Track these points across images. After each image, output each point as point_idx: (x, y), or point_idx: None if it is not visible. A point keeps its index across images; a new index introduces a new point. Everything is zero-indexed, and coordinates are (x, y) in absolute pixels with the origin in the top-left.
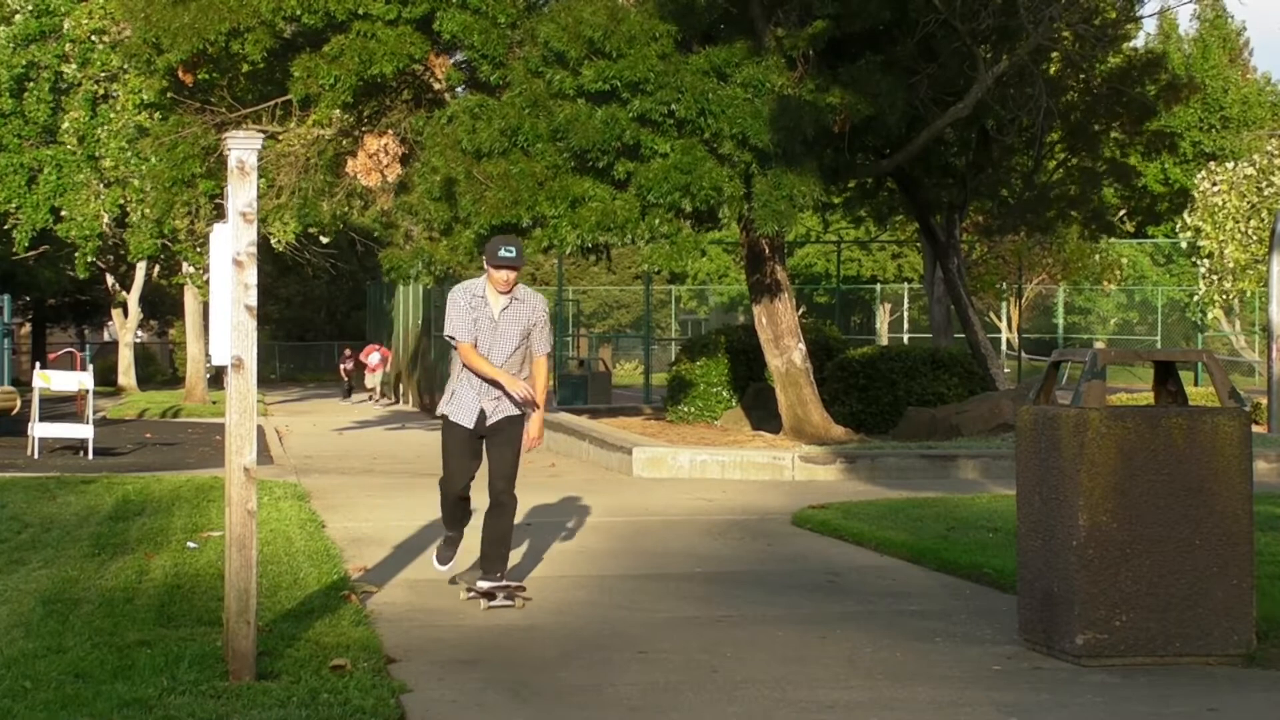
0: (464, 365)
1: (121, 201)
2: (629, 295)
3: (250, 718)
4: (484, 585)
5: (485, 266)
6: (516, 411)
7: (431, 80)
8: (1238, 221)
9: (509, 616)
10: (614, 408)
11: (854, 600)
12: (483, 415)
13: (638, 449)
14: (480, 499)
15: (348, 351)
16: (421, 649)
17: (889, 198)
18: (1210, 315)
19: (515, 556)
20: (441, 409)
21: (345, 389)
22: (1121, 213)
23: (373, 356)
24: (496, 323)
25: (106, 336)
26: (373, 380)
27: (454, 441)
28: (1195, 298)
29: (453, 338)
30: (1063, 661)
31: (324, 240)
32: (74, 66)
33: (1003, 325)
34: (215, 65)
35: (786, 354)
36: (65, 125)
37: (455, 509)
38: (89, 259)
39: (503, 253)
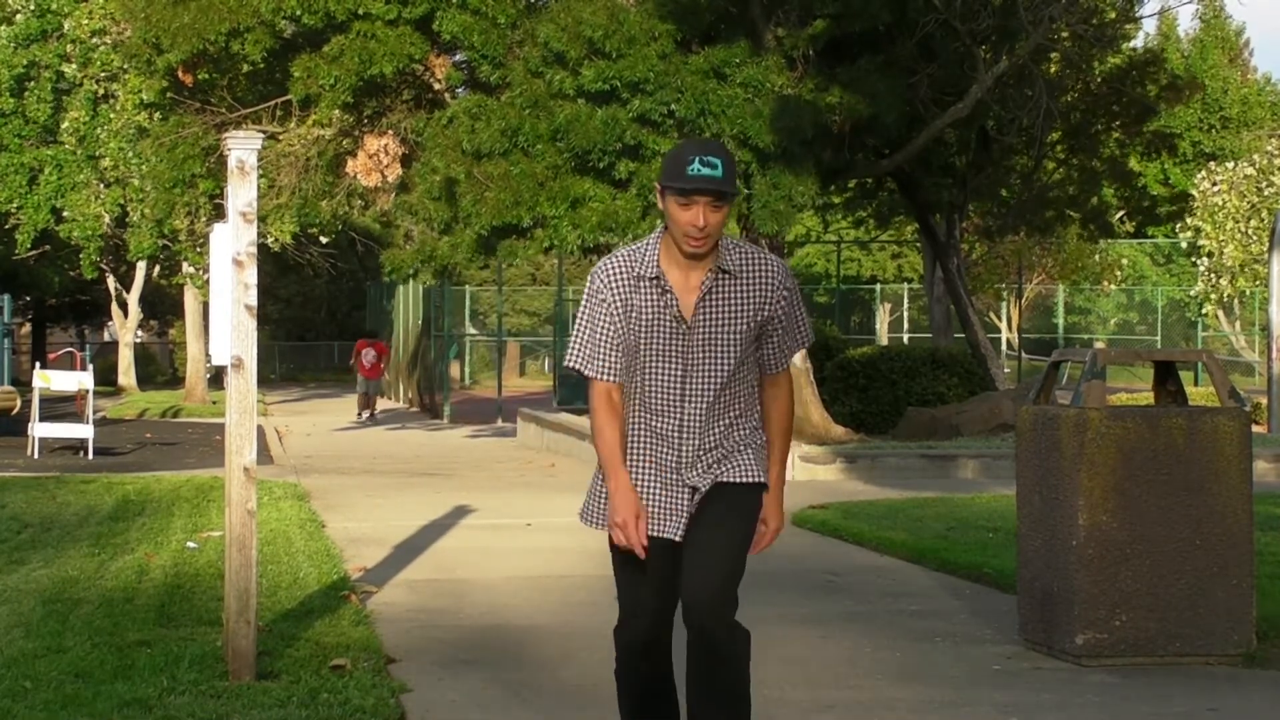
0: (595, 421)
1: (121, 201)
2: None
3: (250, 718)
4: None
5: (661, 205)
6: (752, 474)
7: (431, 80)
8: (1238, 221)
9: (509, 616)
10: None
11: (854, 600)
12: (692, 493)
13: None
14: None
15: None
16: (421, 649)
17: (889, 198)
18: (1206, 310)
19: (517, 557)
20: (587, 507)
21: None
22: (1121, 213)
23: (367, 355)
24: (688, 326)
25: (106, 336)
26: (366, 388)
27: (633, 558)
28: (1193, 293)
29: (576, 370)
30: (1063, 661)
31: (324, 240)
32: (74, 66)
33: (1003, 325)
34: (215, 65)
35: None
36: (65, 125)
37: (646, 689)
38: (94, 259)
39: (697, 167)
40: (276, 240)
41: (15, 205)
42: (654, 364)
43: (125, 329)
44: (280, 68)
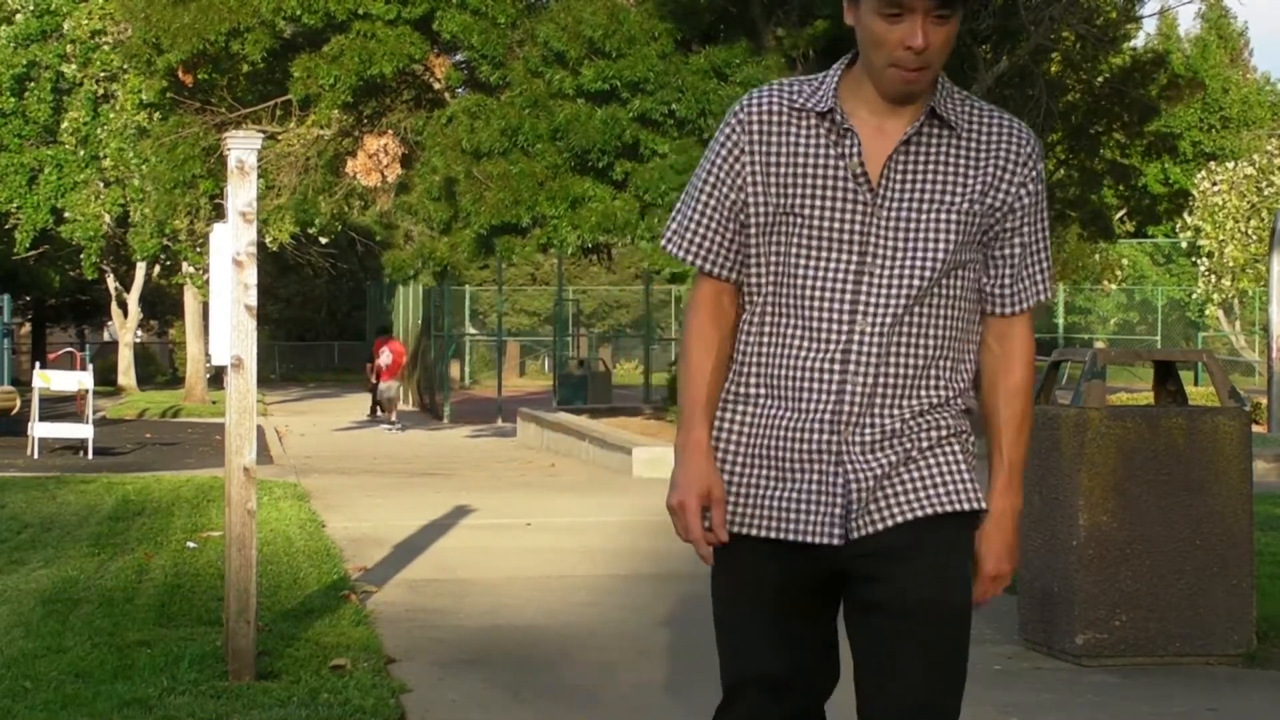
0: (688, 341)
1: (122, 201)
2: (629, 295)
3: (250, 718)
4: None
5: (850, 18)
6: (959, 494)
7: (431, 80)
8: (1238, 221)
9: (509, 616)
10: (614, 407)
11: None
12: (849, 501)
13: (637, 449)
14: None
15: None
16: (421, 649)
17: None
18: (1208, 312)
19: (517, 557)
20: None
21: (373, 404)
22: (1121, 213)
23: (384, 356)
24: (872, 190)
25: (106, 336)
26: (388, 391)
27: (744, 592)
28: (1194, 295)
29: (673, 254)
30: (1063, 661)
31: (324, 240)
32: (74, 66)
33: None
34: (215, 65)
35: None
36: (65, 125)
37: None
38: (94, 259)
39: None
40: (275, 240)
41: (15, 205)
42: (810, 250)
43: (125, 329)
44: (280, 68)
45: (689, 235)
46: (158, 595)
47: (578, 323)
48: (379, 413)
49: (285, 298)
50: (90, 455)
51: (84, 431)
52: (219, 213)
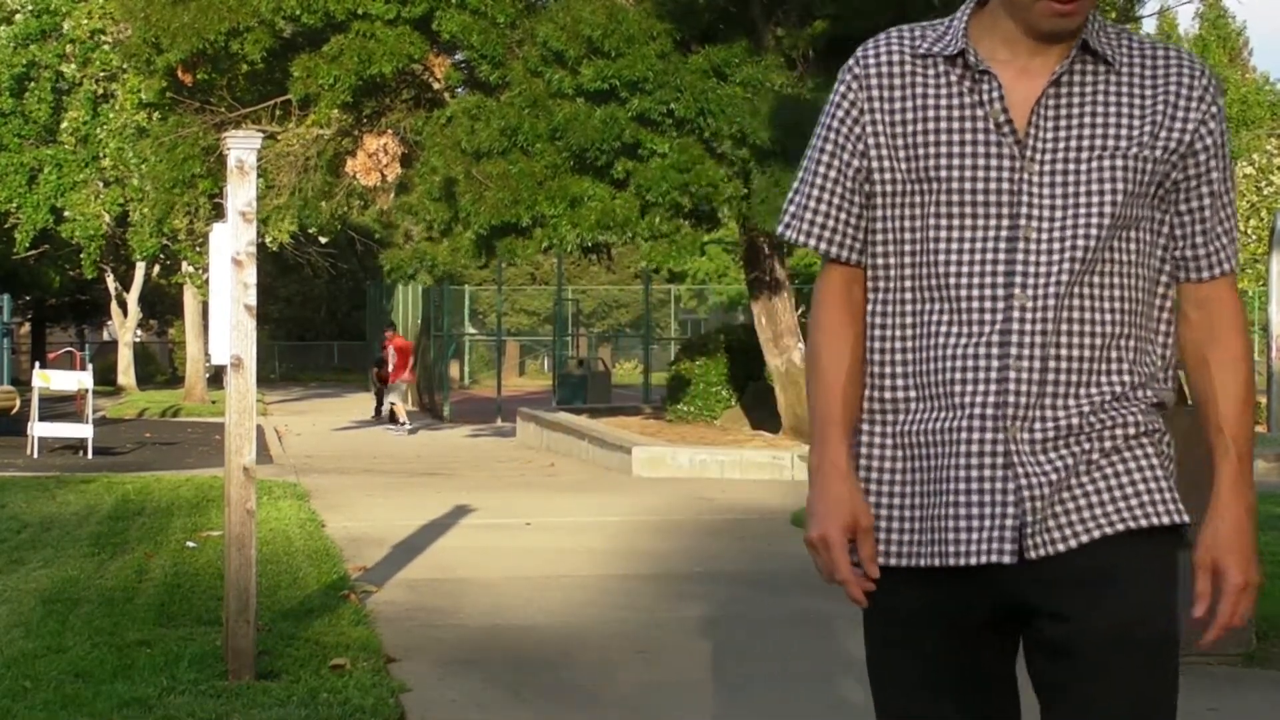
0: (816, 339)
1: (121, 201)
2: (629, 295)
3: (250, 717)
4: None
5: None
6: (1157, 503)
7: (431, 80)
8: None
9: (509, 616)
10: (613, 407)
11: None
12: (1022, 511)
13: (637, 448)
14: None
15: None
16: (421, 649)
17: None
18: None
19: (516, 557)
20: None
21: (377, 404)
22: None
23: (391, 354)
24: (1019, 143)
25: (106, 336)
26: (395, 393)
27: (903, 635)
28: None
29: (793, 241)
30: None
31: (323, 240)
32: (74, 66)
33: None
34: (215, 65)
35: (786, 353)
36: (65, 125)
37: None
38: (93, 259)
39: None
40: (275, 240)
41: (15, 205)
42: (950, 218)
43: (125, 328)
44: (280, 68)
45: (809, 216)
46: (158, 595)
47: (577, 322)
48: (382, 414)
49: (285, 297)
50: (90, 455)
51: (84, 431)
52: (219, 212)
